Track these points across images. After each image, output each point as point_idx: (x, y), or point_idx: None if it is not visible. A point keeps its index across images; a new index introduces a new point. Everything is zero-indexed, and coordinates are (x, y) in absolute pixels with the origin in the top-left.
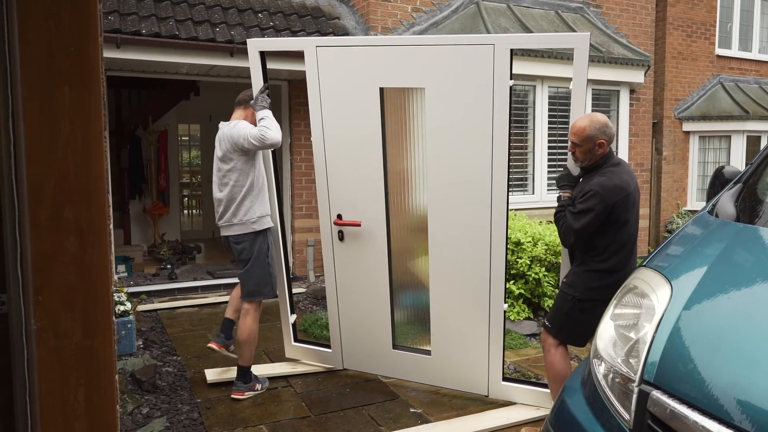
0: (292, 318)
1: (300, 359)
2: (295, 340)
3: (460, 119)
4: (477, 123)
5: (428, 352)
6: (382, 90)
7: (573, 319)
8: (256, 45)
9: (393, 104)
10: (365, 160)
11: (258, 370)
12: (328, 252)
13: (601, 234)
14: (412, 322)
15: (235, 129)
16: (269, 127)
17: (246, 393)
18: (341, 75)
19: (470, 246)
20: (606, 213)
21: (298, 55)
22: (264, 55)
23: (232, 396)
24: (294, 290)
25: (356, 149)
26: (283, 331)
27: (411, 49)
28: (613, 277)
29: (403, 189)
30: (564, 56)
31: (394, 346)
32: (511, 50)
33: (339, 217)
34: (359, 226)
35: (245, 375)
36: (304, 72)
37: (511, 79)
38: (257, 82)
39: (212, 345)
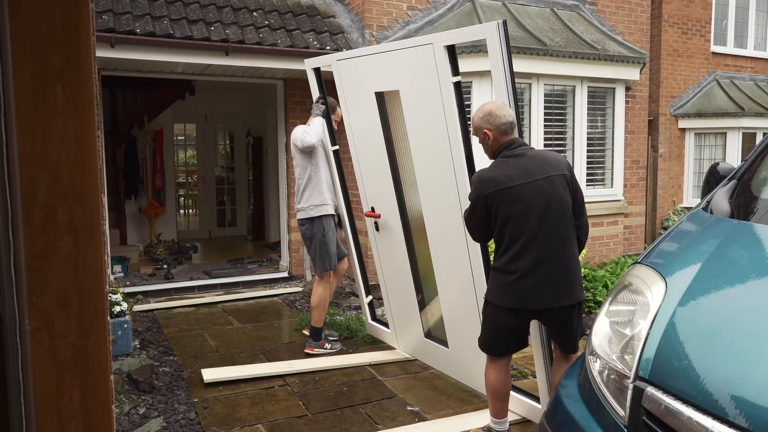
0: (368, 299)
1: (374, 336)
2: (372, 318)
3: (423, 118)
4: (435, 121)
5: (447, 345)
6: (378, 94)
7: (484, 324)
8: (310, 63)
9: (392, 106)
10: (377, 157)
11: (255, 369)
12: (372, 241)
13: (495, 229)
14: (437, 311)
15: (294, 132)
16: (307, 132)
17: (315, 349)
18: (352, 83)
19: (452, 243)
20: (483, 205)
21: (292, 54)
22: (318, 71)
23: (305, 351)
24: (290, 290)
25: (371, 148)
26: (363, 310)
27: (384, 55)
28: (508, 278)
29: (409, 185)
30: (559, 54)
31: (426, 335)
32: (450, 48)
33: (372, 209)
34: (379, 218)
35: (316, 334)
36: (299, 71)
37: (456, 75)
38: (314, 93)
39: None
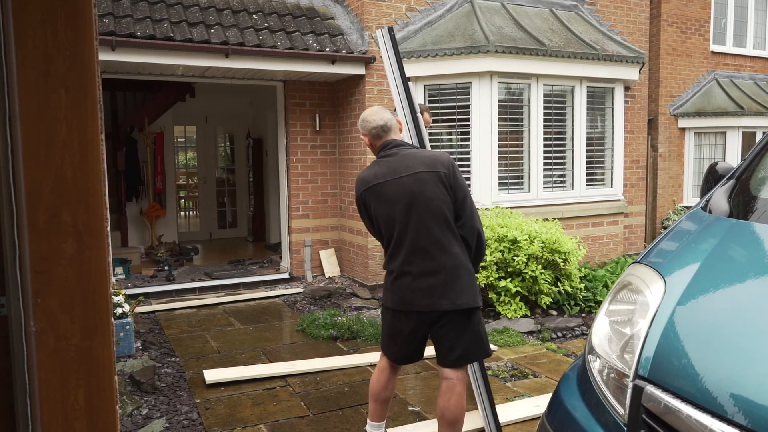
0: None
1: None
2: None
3: None
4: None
5: None
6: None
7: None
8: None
9: None
10: None
11: (257, 370)
12: None
13: (377, 229)
14: None
15: None
16: None
17: None
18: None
19: None
20: (362, 205)
21: (292, 56)
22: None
23: None
24: (291, 291)
25: None
26: None
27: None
28: (389, 278)
29: None
30: (558, 54)
31: None
32: (395, 54)
33: None
34: None
35: None
36: (298, 73)
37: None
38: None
39: None
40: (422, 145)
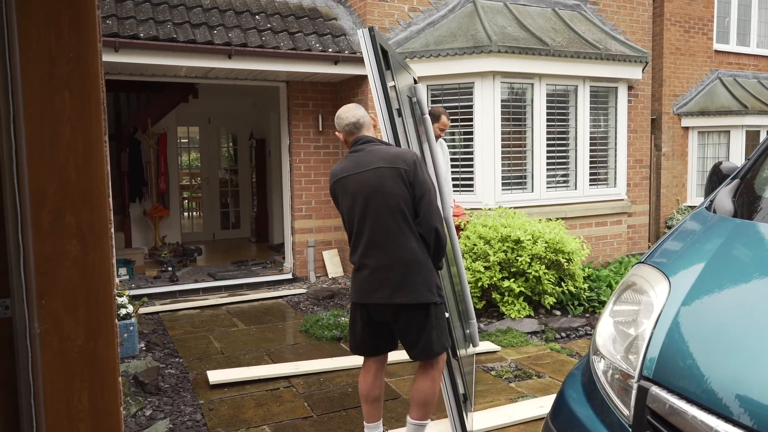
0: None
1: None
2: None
3: None
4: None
5: None
6: None
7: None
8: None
9: None
10: None
11: (260, 371)
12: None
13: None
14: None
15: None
16: None
17: None
18: None
19: None
20: (334, 197)
21: (295, 57)
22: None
23: None
24: (294, 291)
25: None
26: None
27: None
28: (353, 270)
29: None
30: (561, 54)
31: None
32: (377, 58)
33: None
34: None
35: None
36: (301, 73)
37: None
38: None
39: None
40: (398, 144)
